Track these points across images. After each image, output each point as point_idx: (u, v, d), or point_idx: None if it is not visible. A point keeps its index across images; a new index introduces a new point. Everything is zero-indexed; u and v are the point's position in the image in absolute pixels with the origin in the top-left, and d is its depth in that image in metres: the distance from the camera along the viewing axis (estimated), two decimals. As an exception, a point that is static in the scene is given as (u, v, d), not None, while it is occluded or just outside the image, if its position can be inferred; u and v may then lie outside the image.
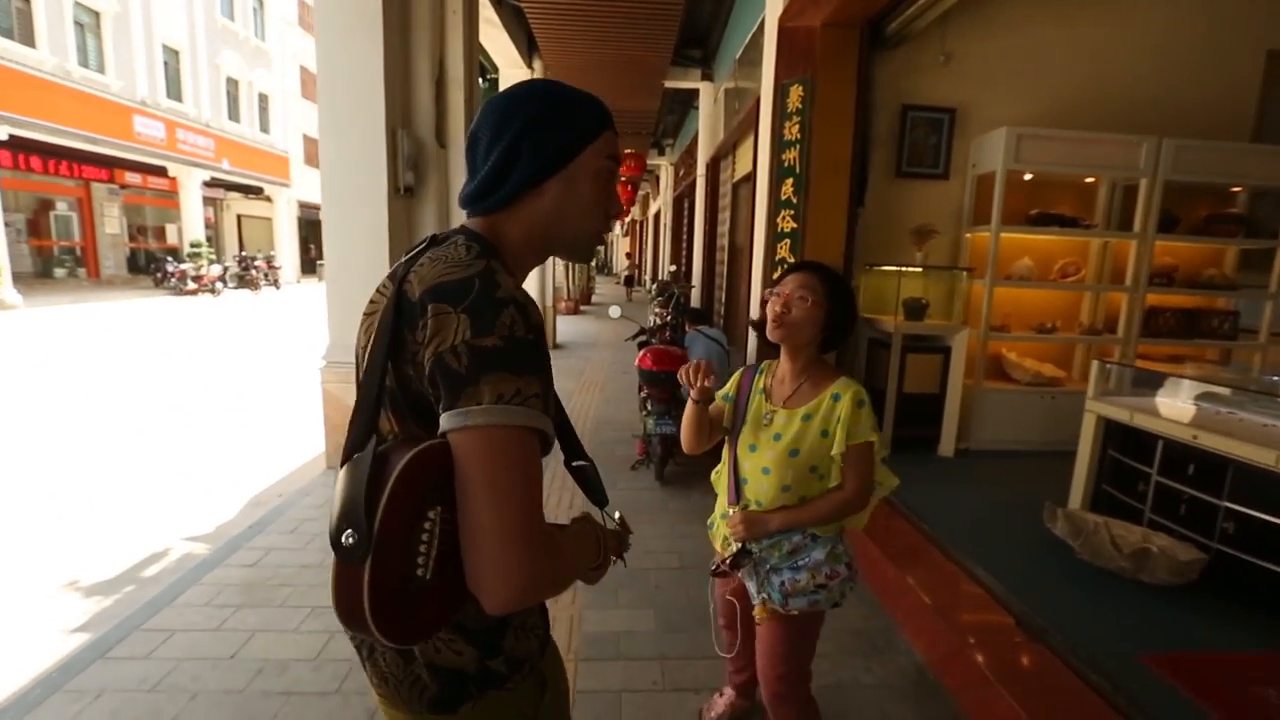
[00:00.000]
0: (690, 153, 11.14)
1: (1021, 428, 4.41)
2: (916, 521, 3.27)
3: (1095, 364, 3.10)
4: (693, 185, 10.37)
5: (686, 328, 4.74)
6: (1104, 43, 4.38)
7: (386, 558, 0.63)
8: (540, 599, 0.76)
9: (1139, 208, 4.24)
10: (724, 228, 8.66)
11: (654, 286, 8.44)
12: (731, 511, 1.48)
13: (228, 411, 5.55)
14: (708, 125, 8.79)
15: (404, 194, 3.82)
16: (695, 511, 3.43)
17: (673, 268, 12.23)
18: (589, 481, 0.96)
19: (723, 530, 1.54)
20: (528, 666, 0.82)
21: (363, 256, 3.71)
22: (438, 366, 0.67)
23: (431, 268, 0.74)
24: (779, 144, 4.13)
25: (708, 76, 8.59)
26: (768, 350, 1.55)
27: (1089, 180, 4.44)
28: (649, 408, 3.69)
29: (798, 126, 3.99)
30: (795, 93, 3.98)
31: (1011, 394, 4.40)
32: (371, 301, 0.85)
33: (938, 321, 4.33)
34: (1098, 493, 3.15)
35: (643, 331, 4.54)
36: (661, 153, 15.11)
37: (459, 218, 4.16)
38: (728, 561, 1.46)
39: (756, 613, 1.49)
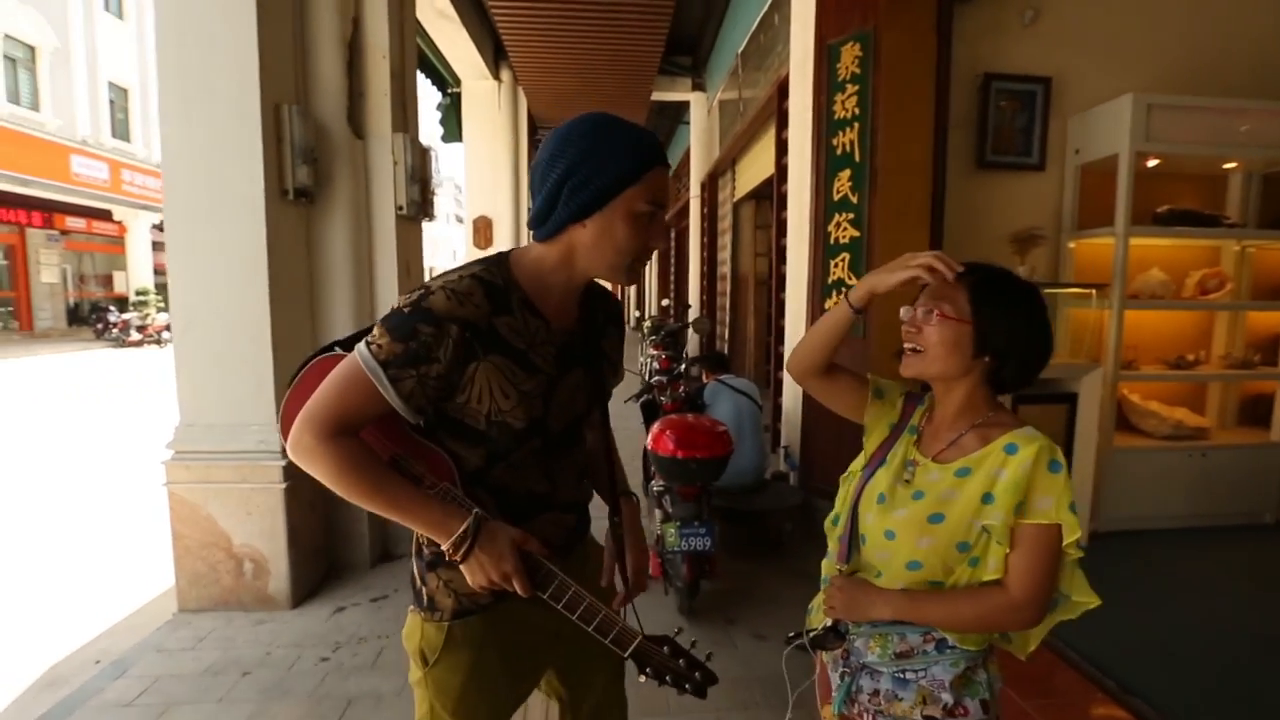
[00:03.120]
0: (678, 176, 10.17)
1: (1164, 498, 3.26)
2: (1096, 675, 2.06)
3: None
4: (684, 209, 9.36)
5: (705, 377, 3.55)
6: (1220, -2, 3.41)
7: (293, 396, 0.93)
8: (312, 469, 0.87)
9: (1301, 200, 3.21)
10: (724, 254, 7.59)
11: (648, 322, 7.27)
12: (838, 570, 1.06)
13: (99, 505, 4.19)
14: (701, 140, 7.81)
15: (296, 199, 2.62)
16: (754, 676, 2.17)
17: (664, 302, 11.10)
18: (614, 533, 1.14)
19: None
20: (438, 615, 0.98)
21: (229, 292, 2.48)
22: None
23: None
24: (827, 125, 3.03)
25: (699, 86, 7.65)
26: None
27: (1228, 166, 3.40)
28: (668, 509, 2.43)
29: (855, 99, 2.91)
30: (849, 53, 2.91)
31: (1150, 453, 3.25)
32: None
33: (1058, 360, 3.20)
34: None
35: (648, 389, 3.31)
36: (644, 181, 14.20)
37: (385, 235, 2.94)
38: (809, 636, 1.05)
39: (834, 714, 1.06)
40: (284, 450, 2.50)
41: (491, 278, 0.90)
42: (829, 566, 1.12)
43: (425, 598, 0.99)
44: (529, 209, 0.95)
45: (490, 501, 0.94)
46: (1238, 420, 3.65)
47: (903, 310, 1.02)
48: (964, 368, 0.97)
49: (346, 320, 2.88)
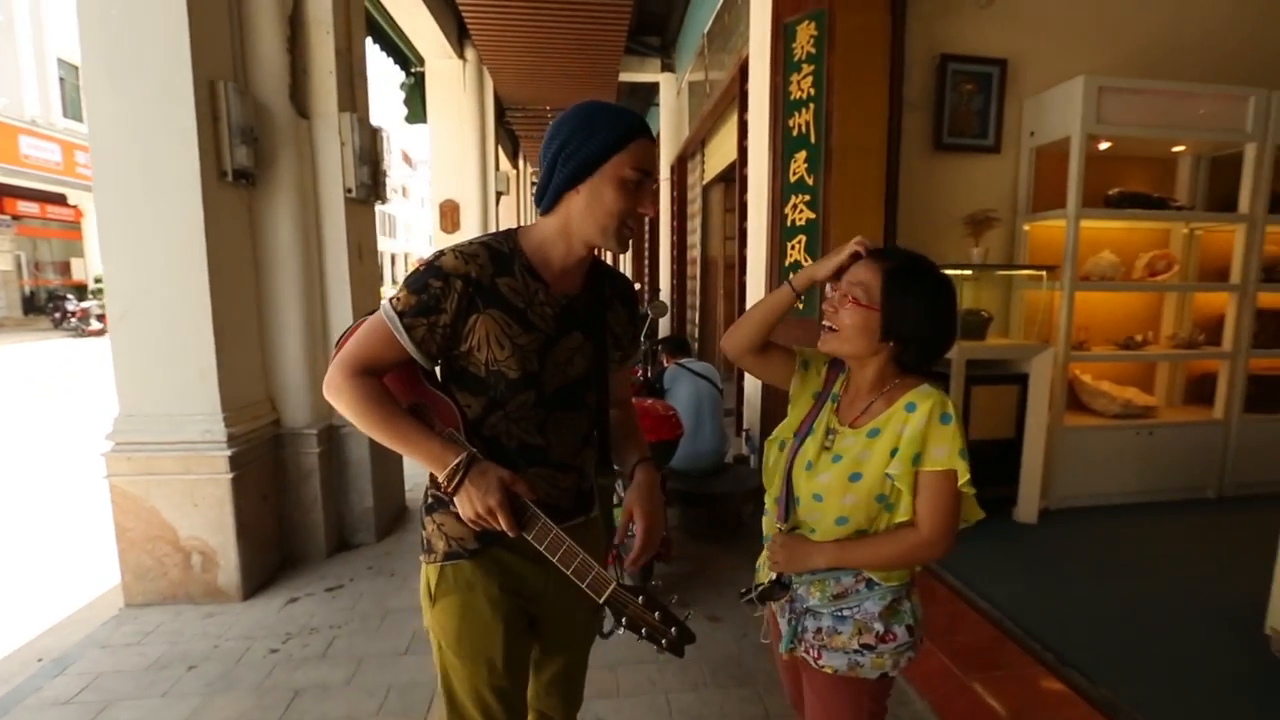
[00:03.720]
0: (651, 159, 10.07)
1: (1113, 475, 3.35)
2: (1037, 649, 2.12)
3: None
4: (654, 193, 9.28)
5: (665, 360, 3.54)
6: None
7: (337, 351, 1.04)
8: (338, 403, 1.00)
9: (1246, 182, 3.27)
10: (694, 237, 7.56)
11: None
12: (778, 529, 1.16)
13: (52, 499, 4.07)
14: (670, 122, 7.73)
15: (235, 181, 2.53)
16: (705, 658, 2.19)
17: (636, 286, 11.05)
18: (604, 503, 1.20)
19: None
20: (433, 557, 1.09)
21: (167, 278, 2.40)
22: None
23: None
24: (784, 106, 3.01)
25: (668, 67, 7.56)
26: None
27: (1177, 150, 3.46)
28: (620, 493, 2.44)
29: (810, 79, 2.89)
30: (805, 32, 2.88)
31: (1100, 432, 3.33)
32: None
33: (1010, 341, 3.25)
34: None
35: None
36: (619, 164, 14.05)
37: (334, 218, 2.83)
38: (757, 591, 1.19)
39: (783, 653, 1.19)
40: (229, 440, 2.46)
41: (498, 244, 1.03)
42: (769, 525, 1.22)
43: (425, 541, 1.11)
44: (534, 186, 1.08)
45: (484, 450, 1.01)
46: (1184, 399, 3.76)
47: (826, 287, 1.12)
48: (872, 349, 1.07)
49: (296, 306, 2.80)
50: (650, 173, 1.01)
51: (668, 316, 7.56)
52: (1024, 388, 3.06)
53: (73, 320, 14.85)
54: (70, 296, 15.98)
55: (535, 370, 1.03)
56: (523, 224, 1.10)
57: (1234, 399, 3.45)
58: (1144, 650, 2.15)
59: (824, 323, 1.10)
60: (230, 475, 2.46)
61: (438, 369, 1.07)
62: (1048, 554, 2.83)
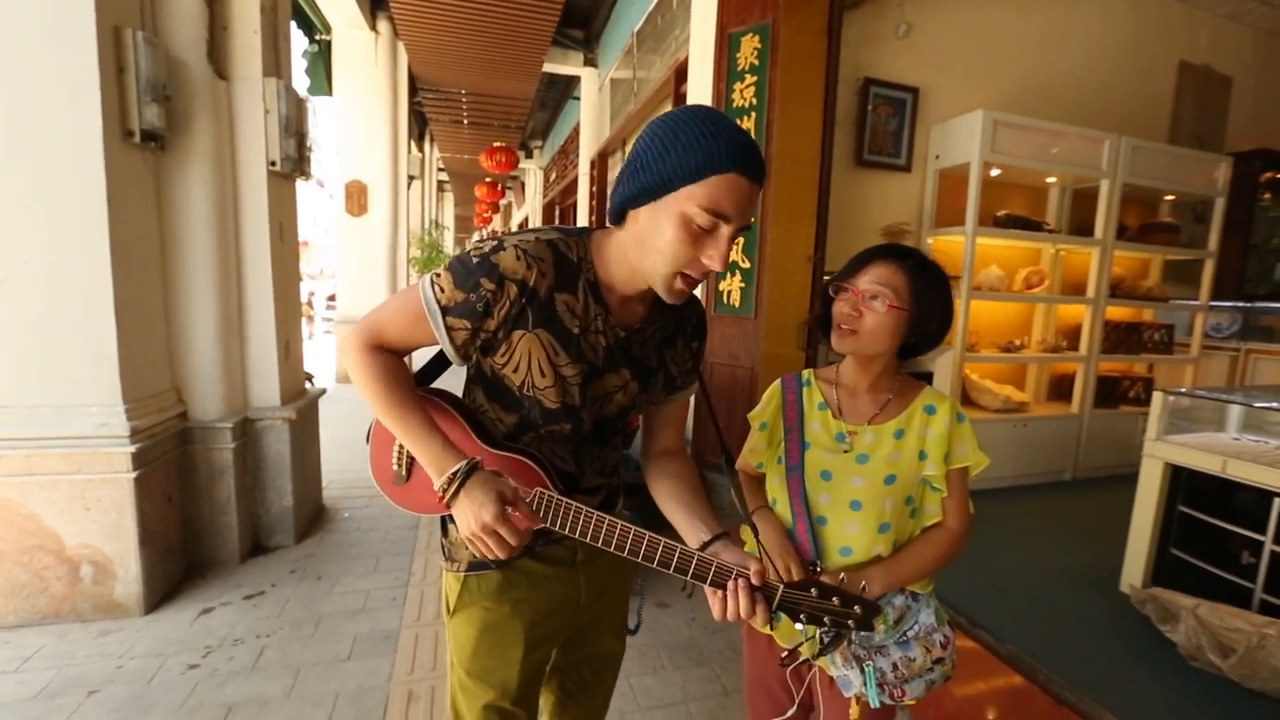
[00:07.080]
0: (565, 153, 10.01)
1: (996, 461, 3.76)
2: (951, 613, 2.39)
3: (1158, 395, 2.43)
4: (571, 187, 9.22)
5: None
6: (1049, 33, 3.98)
7: None
8: (350, 370, 0.91)
9: (1100, 212, 3.84)
10: (614, 234, 7.61)
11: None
12: (812, 571, 1.03)
13: None
14: (591, 117, 7.72)
15: (143, 143, 2.25)
16: (660, 642, 2.25)
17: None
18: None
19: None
20: (455, 566, 1.00)
21: (56, 249, 2.08)
22: None
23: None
24: (727, 112, 3.13)
25: (591, 62, 7.53)
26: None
27: (1050, 180, 3.99)
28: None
29: (753, 89, 3.03)
30: (749, 44, 3.02)
31: (985, 424, 3.76)
32: None
33: (918, 342, 3.60)
34: (1162, 560, 2.47)
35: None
36: (529, 155, 13.79)
37: (254, 192, 2.58)
38: (822, 644, 0.96)
39: (853, 713, 1.05)
40: (132, 434, 2.18)
41: (567, 248, 0.89)
42: (790, 564, 1.08)
43: (445, 548, 1.03)
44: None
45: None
46: (1048, 395, 4.35)
47: (830, 285, 1.09)
48: (894, 347, 1.07)
49: (209, 286, 2.53)
50: (728, 217, 0.81)
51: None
52: (930, 384, 3.41)
53: None
54: None
55: (576, 405, 0.93)
56: (594, 225, 0.97)
57: (1086, 396, 4.04)
58: (1032, 609, 2.48)
59: (842, 325, 1.05)
60: (133, 474, 2.18)
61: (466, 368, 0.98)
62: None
